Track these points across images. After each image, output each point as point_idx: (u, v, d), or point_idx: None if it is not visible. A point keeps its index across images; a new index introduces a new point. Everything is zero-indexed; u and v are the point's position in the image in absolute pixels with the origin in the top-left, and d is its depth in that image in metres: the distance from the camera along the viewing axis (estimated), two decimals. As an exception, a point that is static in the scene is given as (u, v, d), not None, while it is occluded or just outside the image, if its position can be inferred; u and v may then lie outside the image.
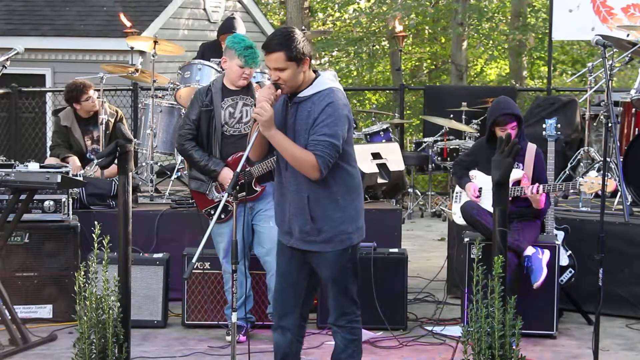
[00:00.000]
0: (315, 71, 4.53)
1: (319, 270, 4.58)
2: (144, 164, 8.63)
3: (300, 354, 4.76)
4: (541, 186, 6.19)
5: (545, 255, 6.18)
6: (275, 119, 4.42)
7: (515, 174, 6.26)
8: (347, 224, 4.49)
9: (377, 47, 22.89)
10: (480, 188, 6.40)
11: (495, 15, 20.82)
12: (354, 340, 4.61)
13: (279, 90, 4.43)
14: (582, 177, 6.41)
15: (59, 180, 6.04)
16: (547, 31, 13.46)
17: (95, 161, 7.77)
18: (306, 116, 4.42)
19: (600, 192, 5.66)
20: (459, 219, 6.55)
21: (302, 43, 4.40)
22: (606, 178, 5.48)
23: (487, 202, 6.18)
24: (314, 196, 4.45)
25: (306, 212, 4.46)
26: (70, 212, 6.67)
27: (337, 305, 4.58)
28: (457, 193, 6.68)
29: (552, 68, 12.34)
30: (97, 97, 7.94)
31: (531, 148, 6.40)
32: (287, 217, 4.56)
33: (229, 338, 6.13)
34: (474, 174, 6.50)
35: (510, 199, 6.19)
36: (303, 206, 4.47)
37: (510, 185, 6.17)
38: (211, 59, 8.00)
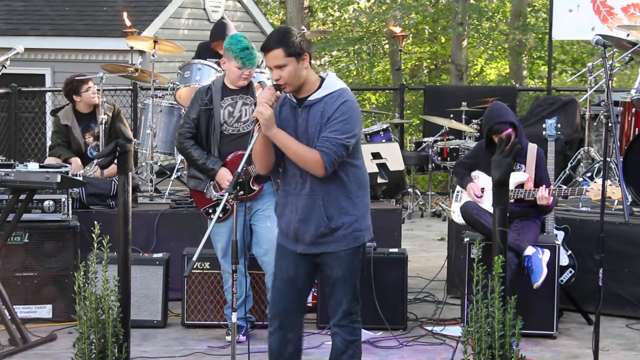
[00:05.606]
0: (318, 74, 4.51)
1: (329, 269, 4.53)
2: (143, 163, 8.62)
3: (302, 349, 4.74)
4: (548, 188, 6.17)
5: (546, 255, 6.17)
6: (282, 125, 4.42)
7: (520, 176, 6.25)
8: (359, 222, 4.49)
9: (377, 46, 22.87)
10: (483, 188, 6.39)
11: (495, 14, 20.81)
12: (354, 341, 4.57)
13: (279, 92, 4.43)
14: (587, 183, 6.36)
15: (58, 180, 6.02)
16: (547, 31, 13.46)
17: (95, 161, 7.76)
18: (319, 117, 4.40)
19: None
20: (458, 218, 6.54)
21: (299, 39, 4.40)
22: (614, 185, 5.45)
23: (489, 203, 6.17)
24: (328, 196, 4.43)
25: (321, 213, 4.42)
26: (70, 212, 6.66)
27: (342, 304, 4.53)
28: (457, 192, 6.67)
29: (552, 68, 12.33)
30: (97, 90, 7.92)
31: (532, 148, 6.39)
32: (292, 225, 4.51)
33: (228, 338, 6.12)
34: (477, 174, 6.49)
35: (514, 201, 6.19)
36: (317, 208, 4.43)
37: (514, 188, 6.18)
38: (207, 59, 8.00)
